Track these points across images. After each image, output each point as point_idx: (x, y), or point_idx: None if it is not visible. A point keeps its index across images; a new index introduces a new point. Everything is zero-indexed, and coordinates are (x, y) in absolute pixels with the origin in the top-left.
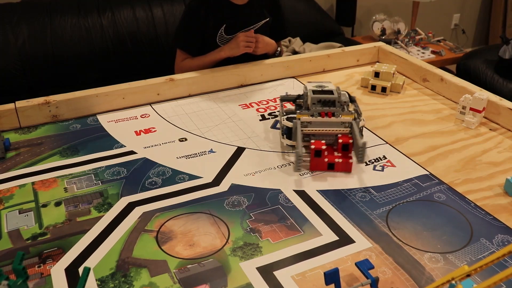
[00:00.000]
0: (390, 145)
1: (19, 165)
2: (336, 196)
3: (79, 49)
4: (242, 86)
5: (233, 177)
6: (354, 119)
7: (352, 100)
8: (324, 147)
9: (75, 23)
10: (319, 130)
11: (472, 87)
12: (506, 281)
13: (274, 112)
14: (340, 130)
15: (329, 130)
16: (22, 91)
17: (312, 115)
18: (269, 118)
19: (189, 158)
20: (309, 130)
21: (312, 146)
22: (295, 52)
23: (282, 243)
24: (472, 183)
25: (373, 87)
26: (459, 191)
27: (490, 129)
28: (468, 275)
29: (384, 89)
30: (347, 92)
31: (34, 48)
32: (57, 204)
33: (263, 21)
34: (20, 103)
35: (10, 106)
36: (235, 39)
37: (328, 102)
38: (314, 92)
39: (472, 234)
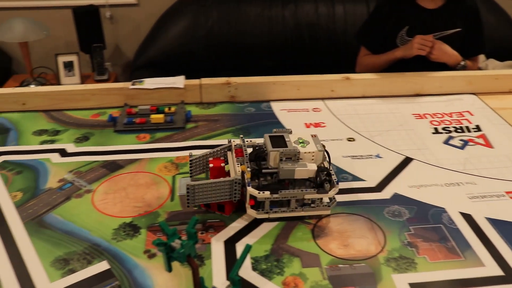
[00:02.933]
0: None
1: (196, 137)
2: (507, 228)
3: (259, 37)
4: (418, 95)
5: (396, 186)
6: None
7: (320, 184)
8: None
9: (260, 12)
10: (230, 163)
11: None
12: None
13: (448, 127)
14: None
15: (231, 168)
16: (204, 70)
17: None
18: (442, 133)
19: (354, 158)
20: (229, 157)
21: None
22: (478, 69)
23: (440, 264)
24: None
25: None
26: None
27: None
28: None
29: None
30: (321, 171)
31: (220, 32)
32: None
33: (453, 31)
34: (204, 80)
35: (196, 82)
36: (411, 40)
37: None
38: (272, 134)
39: None
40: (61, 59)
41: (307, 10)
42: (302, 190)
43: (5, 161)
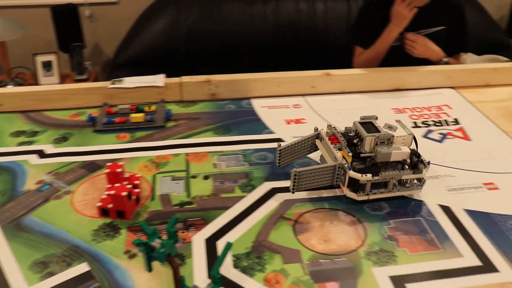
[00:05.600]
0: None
1: (177, 135)
2: (484, 220)
3: (241, 34)
4: (398, 90)
5: None
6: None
7: (415, 165)
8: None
9: (241, 9)
10: (323, 151)
11: None
12: None
13: (427, 121)
14: (330, 161)
15: (326, 155)
16: (185, 69)
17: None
18: (421, 126)
19: None
20: (319, 145)
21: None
22: None
23: (419, 256)
24: None
25: None
26: None
27: None
28: None
29: None
30: (415, 153)
31: (201, 30)
32: (206, 177)
33: (437, 28)
34: (185, 78)
35: (176, 80)
36: (393, 14)
37: (358, 136)
38: (362, 121)
39: None
40: (39, 59)
41: (288, 7)
42: (399, 171)
43: None
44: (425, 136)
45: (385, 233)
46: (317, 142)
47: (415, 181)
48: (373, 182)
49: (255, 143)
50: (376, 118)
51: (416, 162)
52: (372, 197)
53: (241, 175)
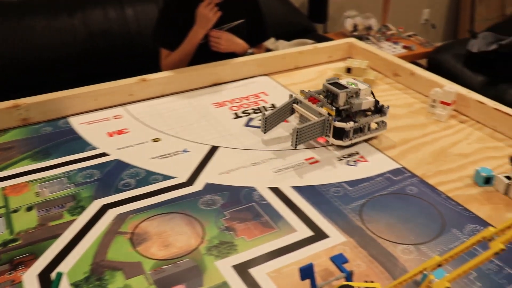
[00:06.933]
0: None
1: None
2: (310, 192)
3: (50, 50)
4: (215, 84)
5: (207, 176)
6: (333, 115)
7: (379, 110)
8: None
9: (46, 24)
10: (303, 111)
11: (442, 80)
12: (476, 270)
13: (247, 110)
14: (314, 118)
15: (308, 114)
16: None
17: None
18: (242, 116)
19: (163, 158)
20: (298, 108)
21: None
22: (268, 50)
23: (257, 240)
24: (443, 175)
25: None
26: (431, 183)
27: (460, 122)
28: (440, 265)
29: None
30: (376, 101)
31: (1, 52)
32: (29, 209)
33: (237, 22)
34: None
35: None
36: (198, 16)
37: (331, 94)
38: (329, 82)
39: (444, 225)
40: None
41: (97, 17)
42: (371, 116)
43: None
44: (247, 124)
45: (222, 225)
46: (295, 106)
47: (379, 124)
48: (354, 128)
49: (78, 162)
50: (339, 79)
51: (379, 107)
52: (354, 140)
53: (68, 199)
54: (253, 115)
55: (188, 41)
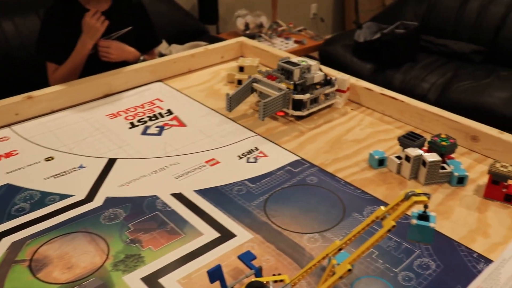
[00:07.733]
0: (261, 136)
1: None
2: (214, 194)
3: None
4: (108, 95)
5: (107, 190)
6: (292, 89)
7: (328, 82)
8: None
9: None
10: (263, 88)
11: (334, 72)
12: (378, 248)
13: (143, 118)
14: (275, 94)
15: (268, 91)
16: None
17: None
18: (138, 125)
19: (58, 177)
20: (258, 86)
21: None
22: (161, 55)
23: (165, 249)
24: (340, 162)
25: (239, 82)
26: (330, 171)
27: (352, 109)
28: (341, 249)
29: None
30: (325, 74)
31: None
32: None
33: (125, 30)
34: None
35: None
36: (84, 27)
37: (286, 71)
38: (283, 61)
39: (345, 210)
40: None
41: None
42: (323, 88)
43: None
44: (143, 133)
45: (127, 239)
46: (254, 85)
47: (330, 95)
48: (310, 99)
49: None
50: (289, 58)
51: (328, 80)
52: (311, 110)
53: None
54: (149, 123)
55: (76, 53)
